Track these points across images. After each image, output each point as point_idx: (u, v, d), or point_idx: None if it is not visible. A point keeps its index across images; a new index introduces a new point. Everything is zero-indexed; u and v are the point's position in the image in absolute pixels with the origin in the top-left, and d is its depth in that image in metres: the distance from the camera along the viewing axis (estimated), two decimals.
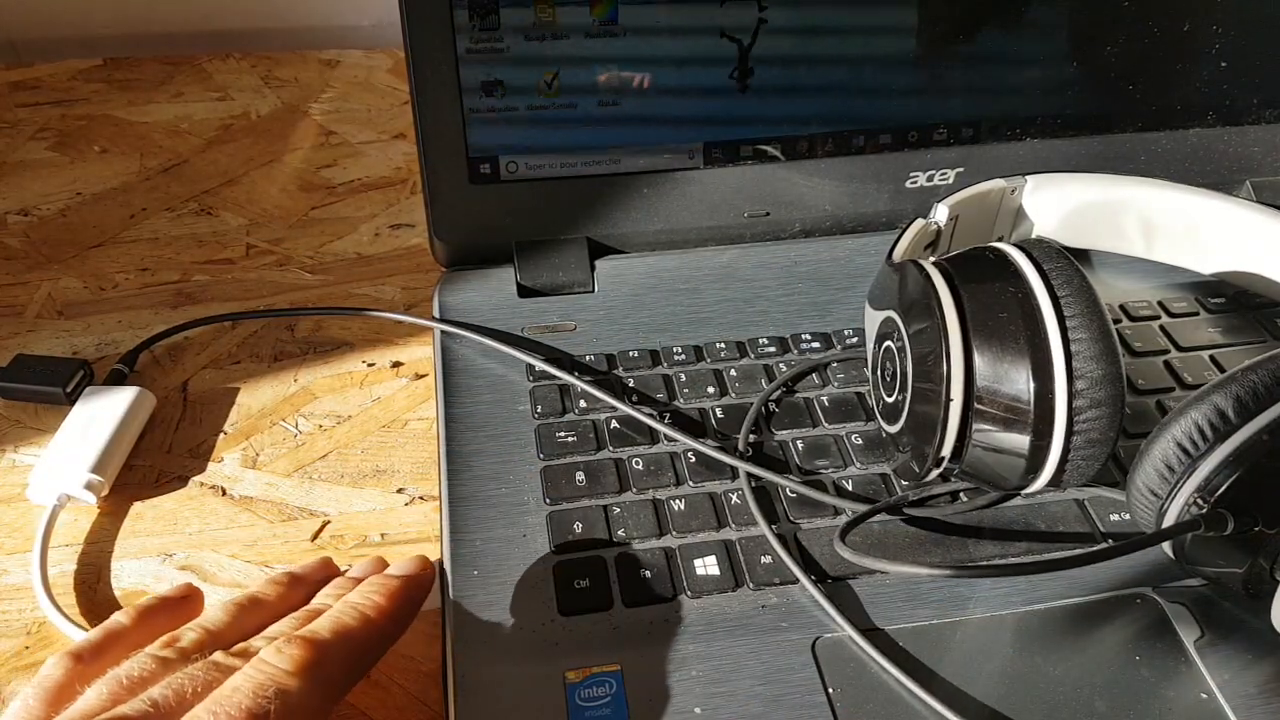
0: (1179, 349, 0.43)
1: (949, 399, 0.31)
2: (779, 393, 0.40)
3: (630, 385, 0.40)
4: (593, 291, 0.44)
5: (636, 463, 0.37)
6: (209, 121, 0.62)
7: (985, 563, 0.34)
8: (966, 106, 0.45)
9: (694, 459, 0.37)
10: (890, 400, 0.35)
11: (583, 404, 0.39)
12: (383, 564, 0.34)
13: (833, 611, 0.32)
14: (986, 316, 0.31)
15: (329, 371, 0.45)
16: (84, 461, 0.38)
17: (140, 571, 0.37)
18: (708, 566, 0.34)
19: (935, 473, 0.33)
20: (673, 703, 0.30)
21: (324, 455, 0.41)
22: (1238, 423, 0.29)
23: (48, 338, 0.46)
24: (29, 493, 0.39)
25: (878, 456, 0.38)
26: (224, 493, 0.40)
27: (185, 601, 0.32)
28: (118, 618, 0.30)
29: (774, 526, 0.35)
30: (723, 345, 0.42)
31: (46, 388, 0.42)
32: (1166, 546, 0.31)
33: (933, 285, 0.32)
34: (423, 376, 0.45)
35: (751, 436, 0.38)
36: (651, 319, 0.43)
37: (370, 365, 0.45)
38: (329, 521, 0.39)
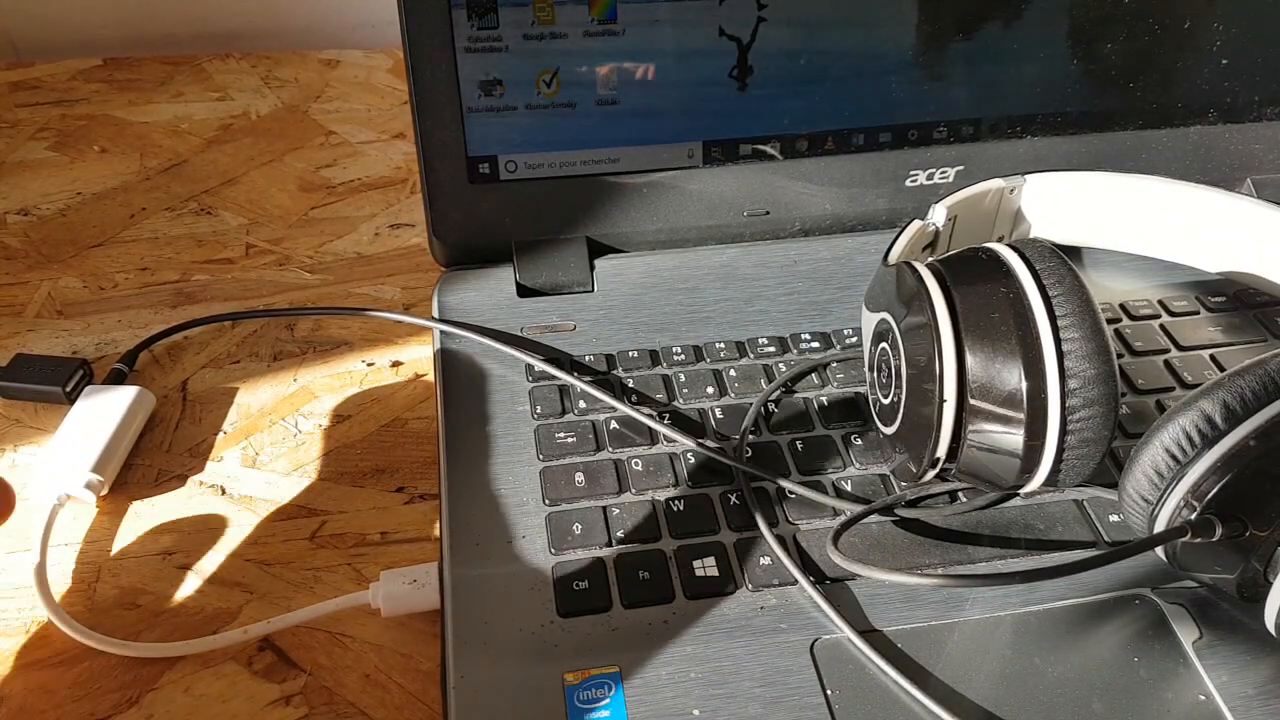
0: (1179, 348, 0.43)
1: (942, 400, 0.31)
2: (778, 393, 0.40)
3: (630, 385, 0.40)
4: (592, 291, 0.44)
5: (636, 463, 0.37)
6: (209, 121, 0.62)
7: (977, 570, 0.34)
8: (966, 105, 0.45)
9: (693, 460, 0.37)
10: (886, 402, 0.35)
11: (582, 404, 0.39)
12: None
13: (831, 613, 0.32)
14: (979, 317, 0.31)
15: (328, 371, 0.45)
16: (84, 461, 0.38)
17: (139, 570, 0.37)
18: (706, 568, 0.34)
19: (932, 473, 0.33)
20: (671, 704, 0.30)
21: (323, 454, 0.41)
22: (1225, 428, 0.29)
23: (47, 337, 0.46)
24: (29, 492, 0.39)
25: (877, 457, 0.38)
26: (223, 492, 0.40)
27: None
28: None
29: (773, 528, 0.35)
30: (722, 345, 0.42)
31: (46, 387, 0.42)
32: (1159, 551, 0.31)
33: (925, 286, 0.32)
34: (422, 376, 0.45)
35: (751, 437, 0.38)
36: (651, 319, 0.43)
37: (370, 365, 0.45)
38: (328, 521, 0.39)
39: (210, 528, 0.38)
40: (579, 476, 0.37)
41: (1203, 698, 0.30)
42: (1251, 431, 0.29)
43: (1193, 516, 0.29)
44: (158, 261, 0.51)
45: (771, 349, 0.42)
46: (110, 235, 0.53)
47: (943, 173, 0.46)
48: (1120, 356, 0.42)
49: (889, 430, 0.35)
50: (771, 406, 0.40)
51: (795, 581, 0.33)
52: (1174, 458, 0.30)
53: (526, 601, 0.33)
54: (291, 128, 0.62)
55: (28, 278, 0.50)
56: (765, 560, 0.34)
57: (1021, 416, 0.30)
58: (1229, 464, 0.29)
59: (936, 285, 0.32)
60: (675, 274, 0.45)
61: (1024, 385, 0.30)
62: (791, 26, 0.42)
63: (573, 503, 0.36)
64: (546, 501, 0.36)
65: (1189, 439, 0.29)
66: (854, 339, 0.43)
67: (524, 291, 0.44)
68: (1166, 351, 0.43)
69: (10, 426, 0.42)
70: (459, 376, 0.41)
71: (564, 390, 0.40)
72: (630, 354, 0.42)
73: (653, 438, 0.38)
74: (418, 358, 0.46)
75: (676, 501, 0.36)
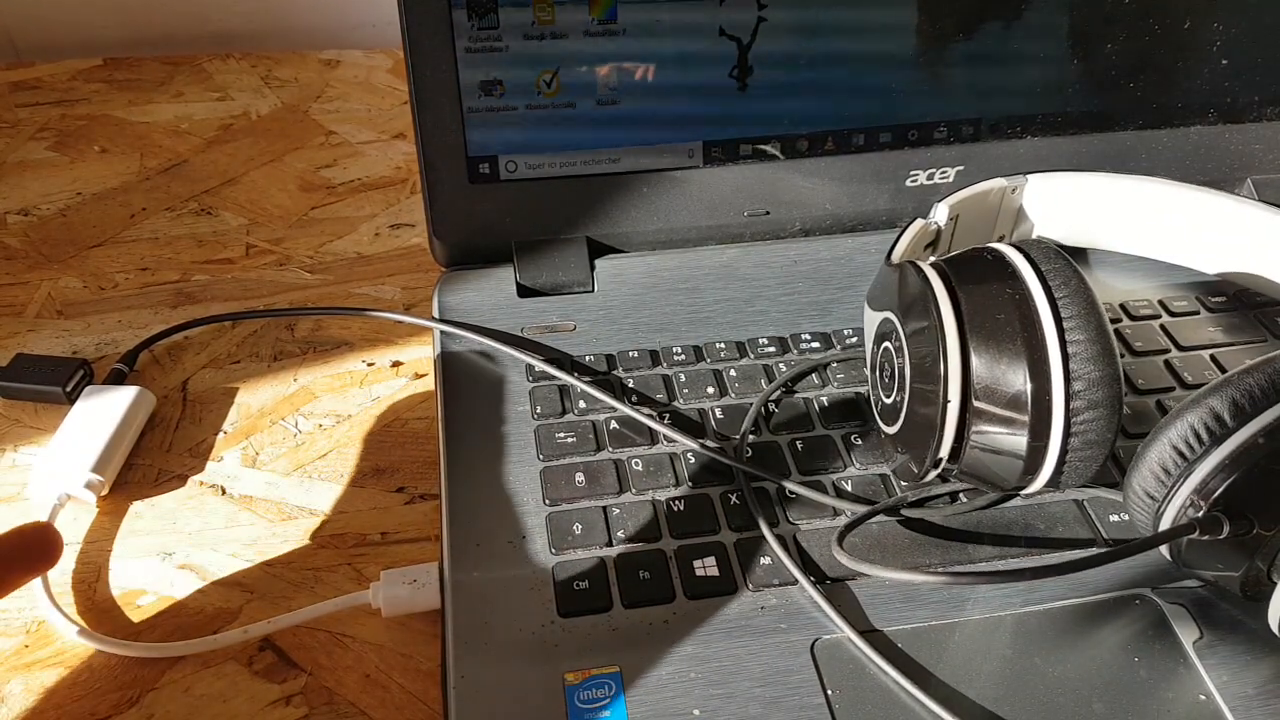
0: (1179, 348, 0.43)
1: (946, 400, 0.31)
2: (779, 393, 0.40)
3: (630, 386, 0.40)
4: (592, 291, 0.44)
5: (636, 463, 0.37)
6: (209, 121, 0.62)
7: (980, 569, 0.34)
8: (967, 105, 0.45)
9: (693, 460, 0.37)
10: (889, 401, 0.35)
11: (582, 404, 0.39)
12: None
13: (831, 613, 0.32)
14: (984, 318, 0.31)
15: (329, 371, 0.45)
16: (84, 461, 0.38)
17: (139, 570, 0.37)
18: (707, 568, 0.34)
19: (934, 474, 0.33)
20: (672, 704, 0.30)
21: (324, 455, 0.41)
22: (1233, 426, 0.29)
23: (48, 337, 0.46)
24: (29, 492, 0.39)
25: (877, 457, 0.38)
26: (224, 492, 0.40)
27: None
28: None
29: (773, 528, 0.35)
30: (722, 345, 0.42)
31: (46, 387, 0.42)
32: (1164, 549, 0.31)
33: (930, 286, 0.32)
34: (422, 376, 0.45)
35: (751, 437, 0.38)
36: (651, 319, 0.43)
37: (370, 365, 0.45)
38: (328, 521, 0.39)
39: (210, 528, 0.38)
40: (579, 476, 0.36)
41: (1203, 697, 0.30)
42: (1260, 429, 0.29)
43: (1200, 514, 0.29)
44: (158, 261, 0.51)
45: (772, 349, 0.42)
46: (110, 235, 0.53)
47: (943, 173, 0.46)
48: (1121, 357, 0.42)
49: (891, 430, 0.35)
50: (772, 406, 0.40)
51: (796, 581, 0.33)
52: (1181, 455, 0.30)
53: (527, 601, 0.33)
54: (291, 128, 0.62)
55: (28, 278, 0.50)
56: (766, 560, 0.34)
57: (1025, 418, 0.30)
58: (1237, 462, 0.29)
59: (941, 285, 0.32)
60: (675, 274, 0.45)
61: (1029, 387, 0.30)
62: (791, 27, 0.42)
63: (573, 503, 0.36)
64: (547, 501, 0.36)
65: (1196, 436, 0.29)
66: (854, 339, 0.43)
67: (524, 291, 0.44)
68: (1167, 352, 0.43)
69: (10, 426, 0.42)
70: (459, 377, 0.41)
71: (564, 390, 0.40)
72: (630, 354, 0.42)
73: (653, 438, 0.38)
74: (418, 358, 0.46)
75: (677, 501, 0.36)
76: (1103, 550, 0.30)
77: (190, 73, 0.67)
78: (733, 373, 0.41)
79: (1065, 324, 0.30)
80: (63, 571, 0.37)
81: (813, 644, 0.32)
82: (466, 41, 0.40)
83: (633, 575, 0.33)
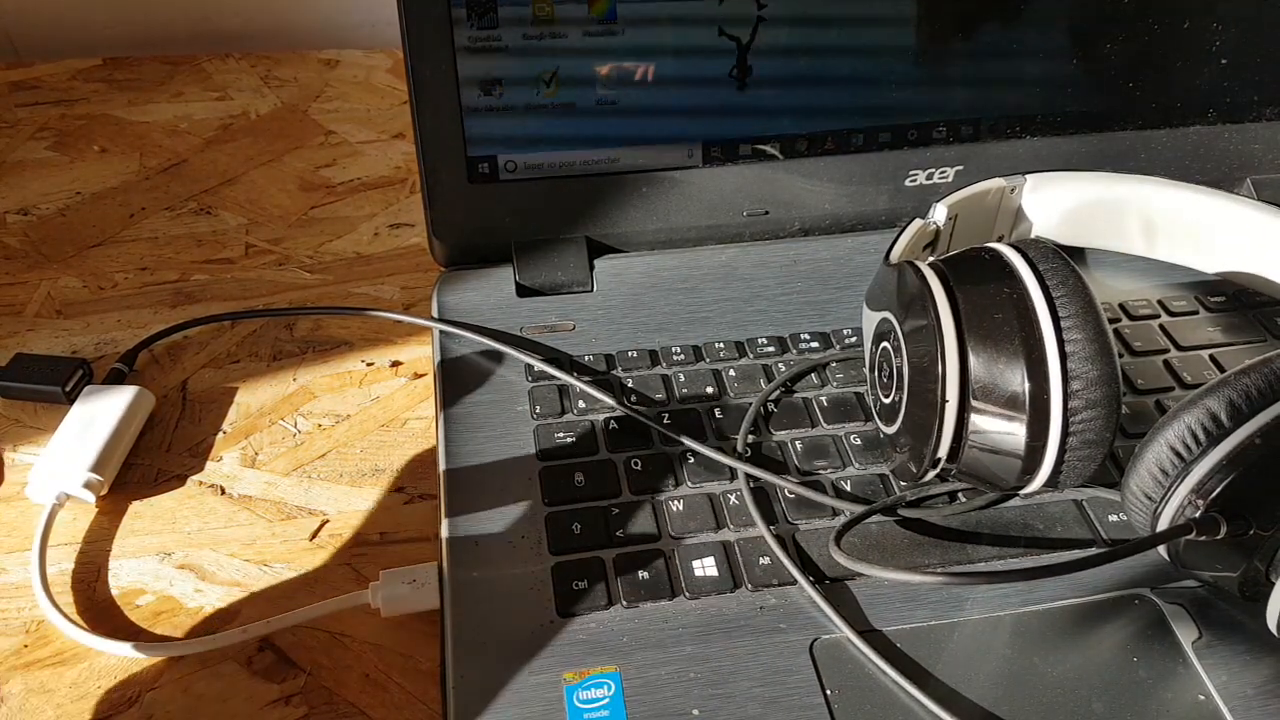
0: (1179, 348, 0.43)
1: (944, 400, 0.31)
2: (778, 393, 0.40)
3: (629, 385, 0.40)
4: (591, 291, 0.44)
5: (635, 464, 0.37)
6: (209, 121, 0.62)
7: (978, 569, 0.34)
8: (966, 104, 0.45)
9: (692, 460, 0.37)
10: (888, 401, 0.35)
11: (581, 404, 0.39)
12: None
13: (830, 613, 0.32)
14: (982, 317, 0.31)
15: (328, 371, 0.45)
16: (83, 460, 0.38)
17: (139, 570, 0.37)
18: (706, 568, 0.34)
19: (932, 473, 0.33)
20: (671, 704, 0.30)
21: (323, 454, 0.41)
22: (1231, 426, 0.29)
23: (47, 337, 0.46)
24: (28, 491, 0.39)
25: (876, 457, 0.38)
26: (223, 492, 0.40)
27: None
28: None
29: (772, 527, 0.35)
30: (721, 345, 0.42)
31: (45, 387, 0.42)
32: (1162, 549, 0.31)
33: (928, 286, 0.32)
34: (422, 376, 0.45)
35: (750, 437, 0.38)
36: (650, 319, 0.43)
37: (369, 365, 0.45)
38: (328, 521, 0.39)
39: (210, 528, 0.38)
40: (578, 476, 0.36)
41: (1202, 698, 0.30)
42: (1257, 430, 0.29)
43: (1197, 515, 0.29)
44: (157, 261, 0.51)
45: (771, 349, 0.42)
46: (110, 235, 0.53)
47: (942, 173, 0.46)
48: (1120, 357, 0.42)
49: (889, 430, 0.35)
50: (771, 406, 0.40)
51: (795, 581, 0.33)
52: (1179, 455, 0.30)
53: (526, 601, 0.33)
54: (291, 127, 0.62)
55: (27, 277, 0.50)
56: (765, 560, 0.34)
57: (1024, 418, 0.30)
58: (1234, 462, 0.29)
59: (939, 285, 0.32)
60: (675, 274, 0.45)
61: (1027, 386, 0.30)
62: (790, 26, 0.42)
63: (572, 503, 0.36)
64: (546, 501, 0.36)
65: (1194, 437, 0.29)
66: (853, 339, 0.43)
67: (523, 291, 0.44)
68: (1166, 351, 0.43)
69: (10, 426, 0.42)
70: (458, 376, 0.41)
71: (563, 390, 0.40)
72: (630, 354, 0.42)
73: (652, 438, 0.38)
74: (417, 357, 0.46)
75: (676, 501, 0.36)
76: (1101, 550, 0.30)
77: (190, 72, 0.67)
78: (732, 372, 0.41)
79: (1063, 323, 0.30)
80: (62, 571, 0.37)
81: (812, 644, 0.32)
82: (466, 41, 0.40)
83: (632, 575, 0.33)
